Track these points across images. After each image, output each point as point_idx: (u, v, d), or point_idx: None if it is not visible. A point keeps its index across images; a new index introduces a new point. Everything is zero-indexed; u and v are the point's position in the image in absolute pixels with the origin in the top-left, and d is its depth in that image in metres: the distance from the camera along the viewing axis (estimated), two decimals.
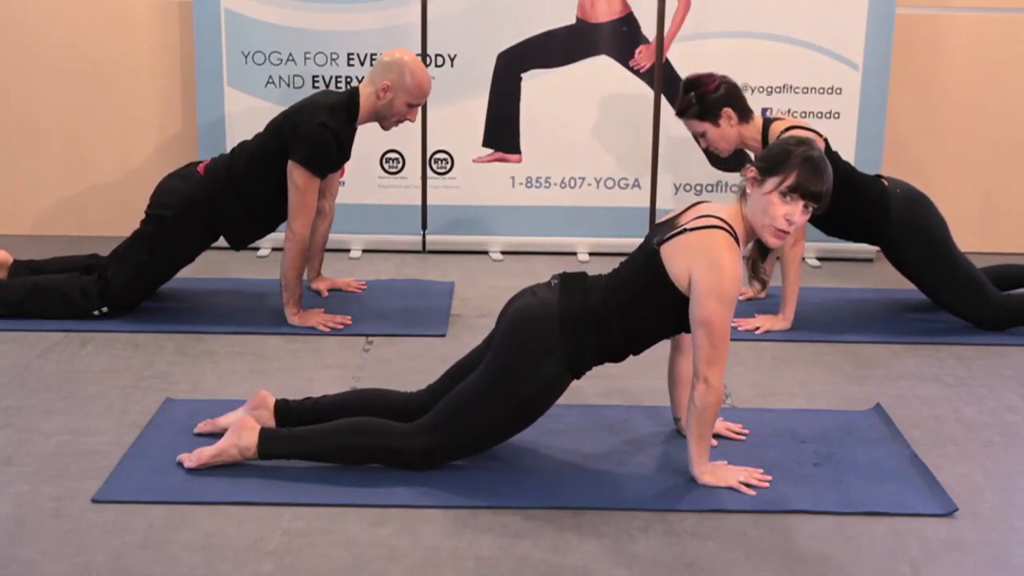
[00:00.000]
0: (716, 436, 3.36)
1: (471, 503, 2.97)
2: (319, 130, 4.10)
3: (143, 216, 4.33)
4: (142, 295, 4.35)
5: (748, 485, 3.05)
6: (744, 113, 4.24)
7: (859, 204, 4.28)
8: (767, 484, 3.07)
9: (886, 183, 4.37)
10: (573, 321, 3.05)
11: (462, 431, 3.08)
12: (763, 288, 3.35)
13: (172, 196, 4.28)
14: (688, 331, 3.08)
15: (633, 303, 3.06)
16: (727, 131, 4.23)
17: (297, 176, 4.13)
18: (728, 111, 4.20)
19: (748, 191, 3.05)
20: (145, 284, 4.33)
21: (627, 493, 3.04)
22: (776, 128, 4.19)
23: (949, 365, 4.05)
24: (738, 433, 3.39)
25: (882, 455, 3.29)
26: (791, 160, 3.00)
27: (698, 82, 4.24)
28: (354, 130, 4.26)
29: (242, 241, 4.43)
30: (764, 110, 5.26)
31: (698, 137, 4.32)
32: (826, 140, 4.24)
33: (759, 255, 3.17)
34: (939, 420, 3.59)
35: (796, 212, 3.00)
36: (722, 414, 3.49)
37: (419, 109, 4.32)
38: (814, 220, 4.20)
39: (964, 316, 4.34)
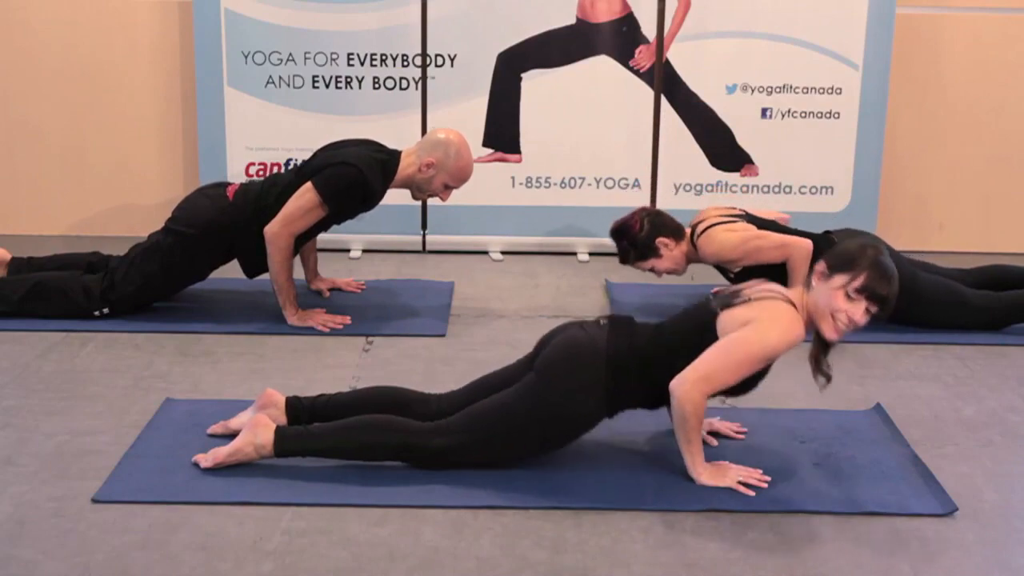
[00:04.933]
0: (716, 436, 3.37)
1: (471, 503, 2.97)
2: (354, 175, 4.10)
3: (163, 226, 4.31)
4: (146, 303, 4.34)
5: (747, 485, 3.05)
6: (676, 233, 4.36)
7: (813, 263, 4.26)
8: (766, 484, 3.07)
9: (835, 239, 4.35)
10: (619, 362, 3.07)
11: (486, 441, 3.09)
12: (827, 383, 3.17)
13: (197, 216, 4.25)
14: (732, 395, 3.13)
15: (680, 357, 3.06)
16: (672, 255, 4.36)
17: (311, 197, 4.12)
18: (662, 240, 4.32)
19: (814, 284, 3.05)
20: (151, 295, 4.33)
21: (627, 493, 3.04)
22: (701, 234, 4.30)
23: (949, 365, 4.05)
24: (738, 432, 3.39)
25: (882, 455, 3.29)
26: (862, 261, 3.01)
27: (623, 229, 4.42)
28: (386, 189, 4.25)
29: (256, 271, 4.39)
30: (764, 110, 5.27)
31: (650, 272, 4.44)
32: (745, 212, 4.37)
33: (821, 349, 3.14)
34: (939, 420, 3.59)
35: (858, 312, 3.01)
36: (722, 414, 3.49)
37: (452, 191, 4.32)
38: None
39: (959, 328, 4.33)
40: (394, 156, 4.24)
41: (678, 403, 3.00)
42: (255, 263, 4.35)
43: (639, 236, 4.35)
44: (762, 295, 3.04)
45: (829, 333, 3.06)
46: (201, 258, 4.31)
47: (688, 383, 2.99)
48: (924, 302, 4.29)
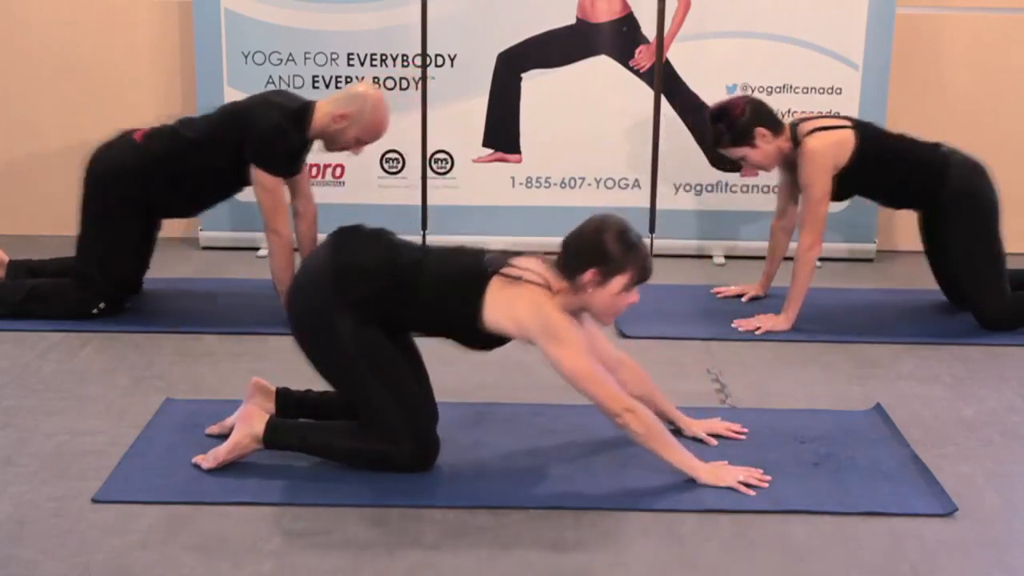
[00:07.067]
0: (716, 436, 3.36)
1: (471, 503, 2.97)
2: (274, 131, 4.09)
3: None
4: (119, 278, 4.31)
5: (748, 485, 3.05)
6: (776, 126, 4.22)
7: (915, 170, 4.28)
8: (767, 484, 3.07)
9: (946, 150, 4.34)
10: (346, 275, 3.07)
11: (382, 419, 3.06)
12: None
13: (103, 163, 4.28)
14: (469, 346, 3.18)
15: (439, 295, 3.07)
16: (766, 149, 4.22)
17: (261, 177, 4.12)
18: (760, 130, 4.17)
19: (590, 291, 3.01)
20: (112, 262, 4.28)
21: (627, 493, 3.04)
22: (804, 129, 4.21)
23: (949, 365, 4.05)
24: (738, 433, 3.39)
25: (882, 455, 3.29)
26: (628, 256, 3.00)
27: (724, 111, 4.21)
28: (305, 141, 4.21)
29: (161, 213, 4.39)
30: None
31: (740, 162, 4.33)
32: (860, 134, 4.25)
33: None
34: (939, 420, 3.59)
35: (636, 295, 3.06)
36: (722, 414, 3.49)
37: (364, 147, 4.28)
38: (869, 195, 4.40)
39: (977, 303, 4.32)
40: (308, 106, 4.20)
41: (635, 425, 2.98)
42: (163, 205, 4.33)
43: (739, 120, 4.16)
44: (531, 278, 3.01)
45: (608, 321, 3.14)
46: (118, 204, 4.26)
47: (620, 413, 2.97)
48: (984, 252, 4.30)
